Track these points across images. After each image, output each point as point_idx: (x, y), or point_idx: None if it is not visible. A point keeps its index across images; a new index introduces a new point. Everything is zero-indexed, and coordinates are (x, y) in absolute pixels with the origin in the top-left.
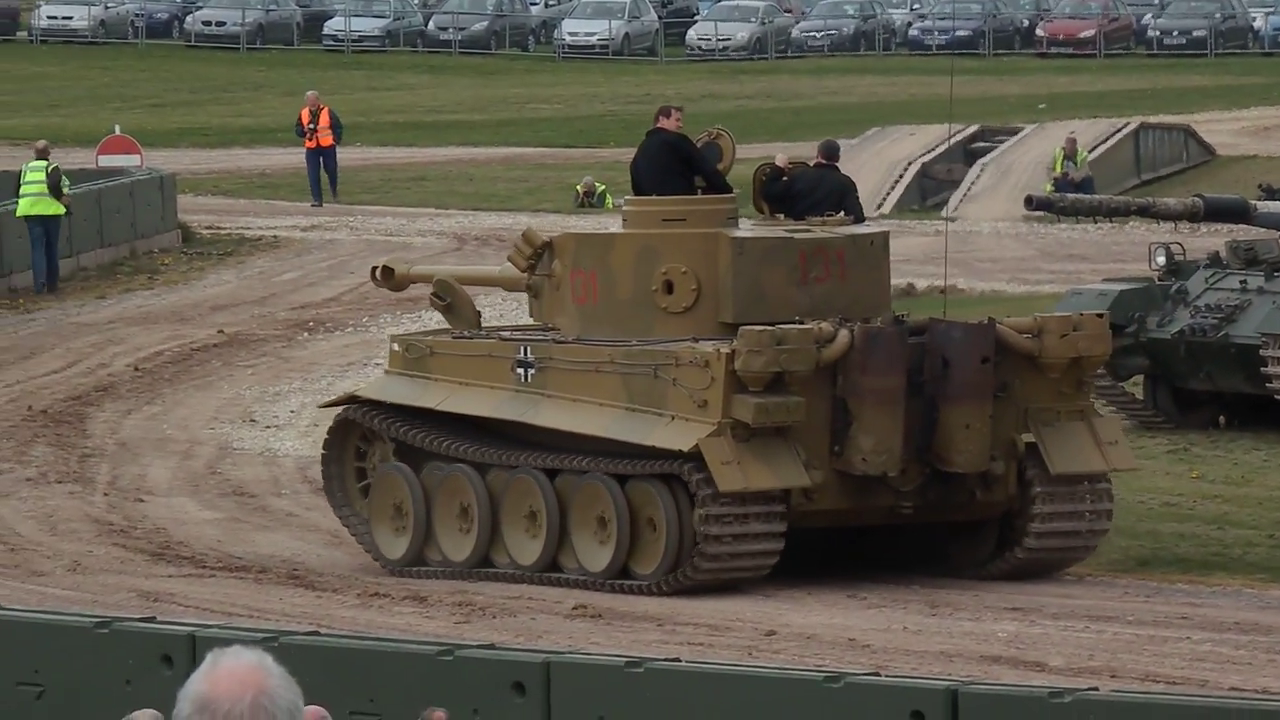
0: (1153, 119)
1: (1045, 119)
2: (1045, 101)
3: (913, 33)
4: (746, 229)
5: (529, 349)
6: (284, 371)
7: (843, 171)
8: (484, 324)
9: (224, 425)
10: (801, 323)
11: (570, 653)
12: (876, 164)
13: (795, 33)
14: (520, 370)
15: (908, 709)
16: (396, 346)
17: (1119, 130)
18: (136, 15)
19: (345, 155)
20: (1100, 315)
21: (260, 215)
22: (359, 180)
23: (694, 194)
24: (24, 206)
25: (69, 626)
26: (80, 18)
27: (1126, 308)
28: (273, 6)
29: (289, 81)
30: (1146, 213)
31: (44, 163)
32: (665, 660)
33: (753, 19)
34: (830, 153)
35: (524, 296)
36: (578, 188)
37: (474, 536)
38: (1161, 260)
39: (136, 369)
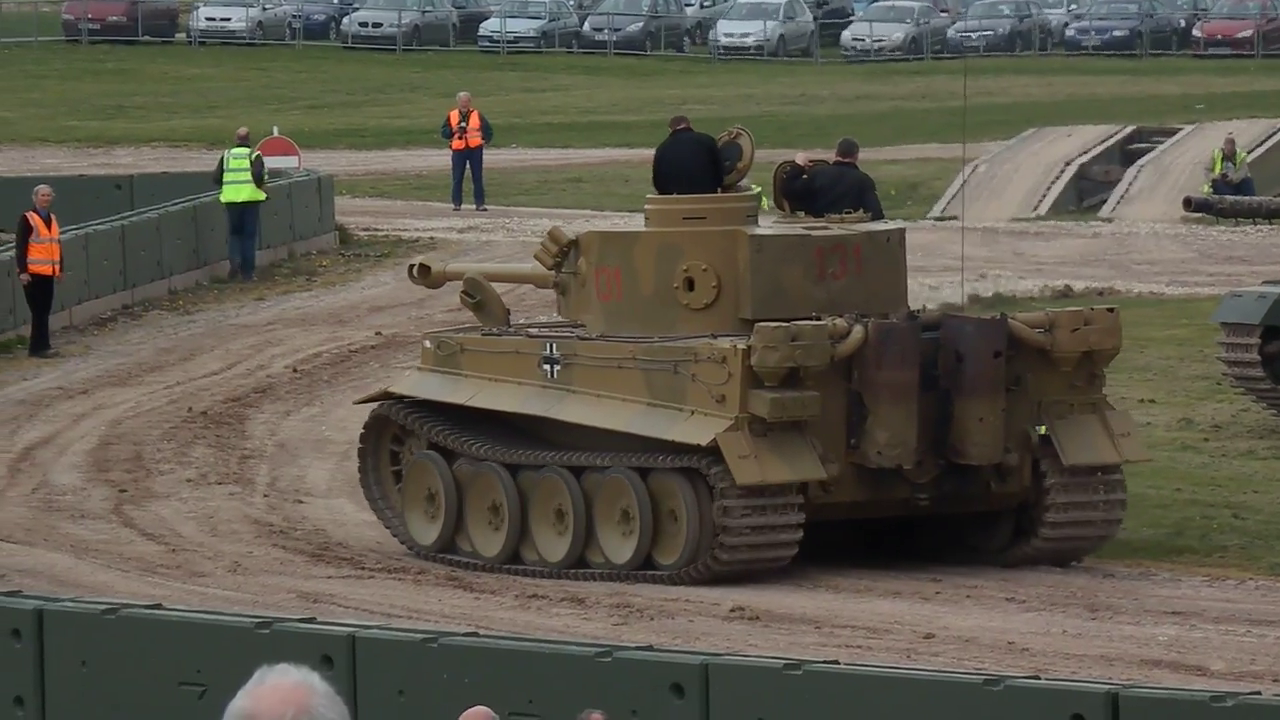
0: None
1: (1203, 119)
2: (1203, 102)
3: (1069, 33)
4: (765, 227)
5: (555, 346)
6: None
7: (861, 169)
8: (513, 320)
9: None
10: (818, 318)
11: (728, 654)
12: (1033, 165)
13: (951, 33)
14: (547, 366)
15: (1068, 713)
16: (428, 344)
17: (1278, 130)
18: (294, 17)
19: (500, 157)
20: (1111, 310)
21: (416, 217)
22: (514, 182)
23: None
24: (229, 193)
25: (230, 627)
26: (238, 19)
27: None
28: (429, 8)
29: (445, 83)
30: None
31: (245, 150)
32: (824, 662)
33: (908, 19)
34: (848, 150)
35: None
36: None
37: (504, 534)
38: None
39: (295, 370)
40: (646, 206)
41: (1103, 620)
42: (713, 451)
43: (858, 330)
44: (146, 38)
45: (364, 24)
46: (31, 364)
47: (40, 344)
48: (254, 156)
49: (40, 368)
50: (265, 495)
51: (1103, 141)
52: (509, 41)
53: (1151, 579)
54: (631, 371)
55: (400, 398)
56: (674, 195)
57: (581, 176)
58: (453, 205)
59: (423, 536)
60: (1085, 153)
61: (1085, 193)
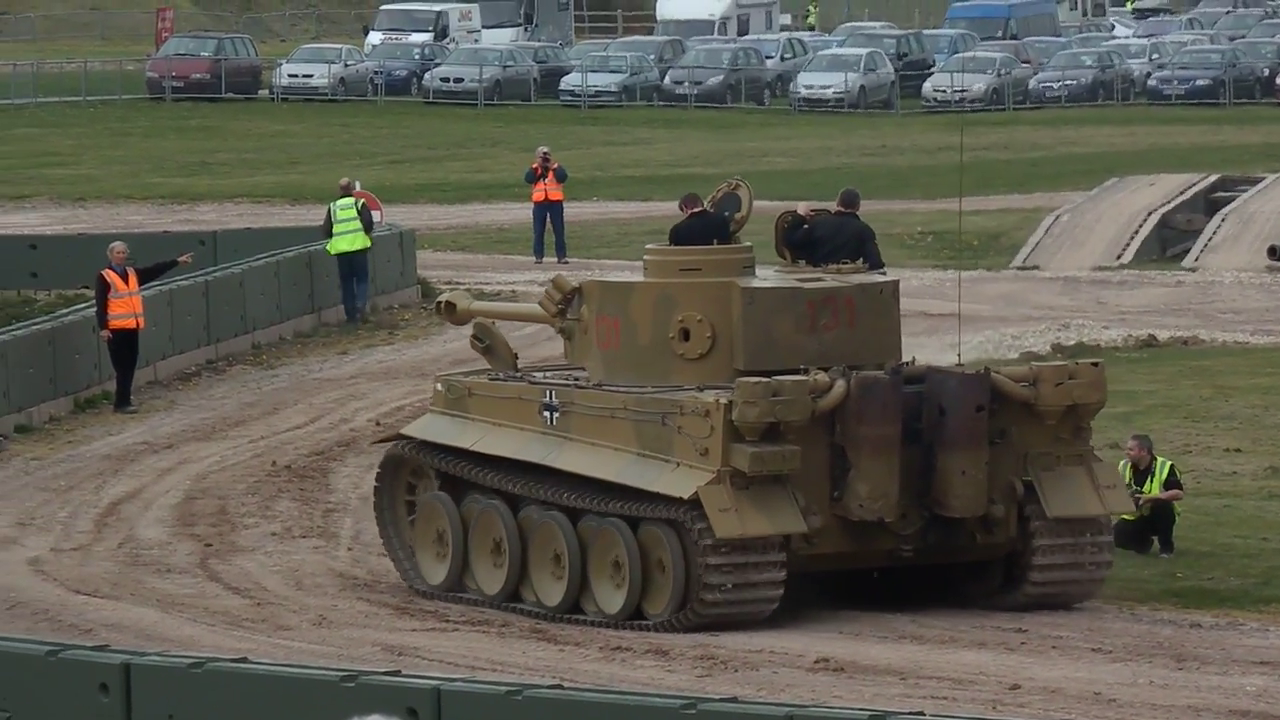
0: None
1: None
2: None
3: (1151, 83)
4: (758, 279)
5: (554, 394)
6: None
7: (862, 220)
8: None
9: None
10: (805, 371)
11: (813, 706)
12: (1115, 214)
13: (1033, 84)
14: (546, 414)
15: None
16: (439, 386)
17: None
18: (375, 73)
19: (581, 209)
20: (1095, 364)
21: (498, 270)
22: (595, 234)
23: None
24: (339, 244)
25: (316, 680)
26: (320, 76)
27: None
28: (510, 63)
29: (526, 137)
30: None
31: (350, 199)
32: (909, 714)
33: (990, 70)
34: (850, 201)
35: None
36: None
37: (504, 572)
38: None
39: (378, 424)
40: (645, 257)
41: (1189, 671)
42: (695, 504)
43: (840, 385)
44: (230, 95)
45: (445, 79)
46: (117, 419)
47: (123, 400)
48: (360, 205)
49: (125, 423)
50: (349, 549)
51: (1186, 190)
52: (590, 96)
53: (1239, 629)
54: (623, 422)
55: (412, 439)
56: (671, 247)
57: (662, 228)
58: (534, 258)
59: (432, 576)
60: (1168, 202)
61: (1168, 242)
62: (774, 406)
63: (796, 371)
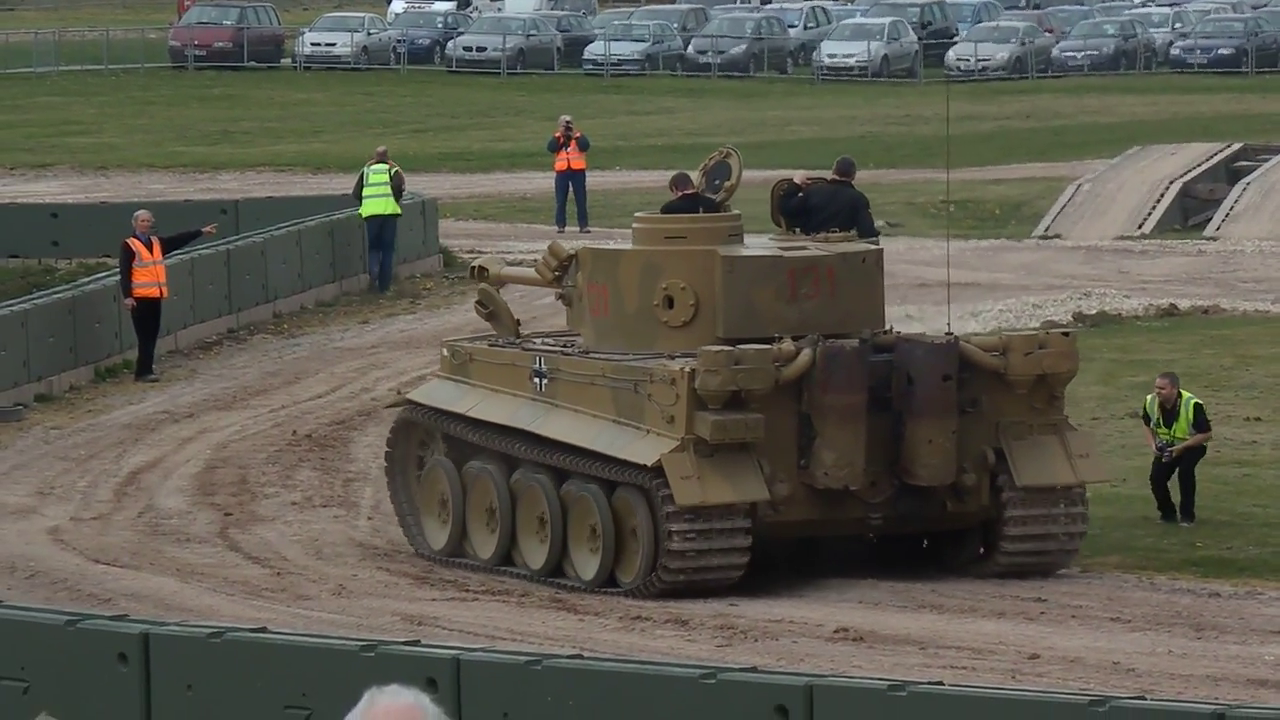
0: None
1: None
2: None
3: (1174, 51)
4: (742, 247)
5: (543, 360)
6: None
7: (855, 188)
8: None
9: None
10: (771, 341)
11: (833, 676)
12: (1137, 183)
13: (1055, 52)
14: (536, 380)
15: None
16: (445, 351)
17: None
18: (398, 42)
19: (604, 179)
20: (1066, 334)
21: (521, 239)
22: (619, 204)
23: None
24: (370, 206)
25: (335, 650)
26: (343, 44)
27: None
28: (533, 32)
29: (549, 106)
30: None
31: (384, 166)
32: (928, 684)
33: (1013, 39)
34: (845, 170)
35: None
36: None
37: (497, 536)
38: None
39: (399, 393)
40: (634, 225)
41: (1208, 640)
42: (659, 471)
43: (805, 353)
44: (252, 64)
45: (468, 48)
46: (137, 388)
47: (145, 369)
48: (394, 171)
49: (146, 392)
50: (369, 518)
51: (1208, 159)
52: (613, 65)
53: (1258, 598)
54: (603, 389)
55: (418, 404)
56: (660, 215)
57: None
58: (557, 227)
59: (436, 541)
60: (1190, 171)
61: (1190, 211)
62: (736, 375)
63: (758, 341)
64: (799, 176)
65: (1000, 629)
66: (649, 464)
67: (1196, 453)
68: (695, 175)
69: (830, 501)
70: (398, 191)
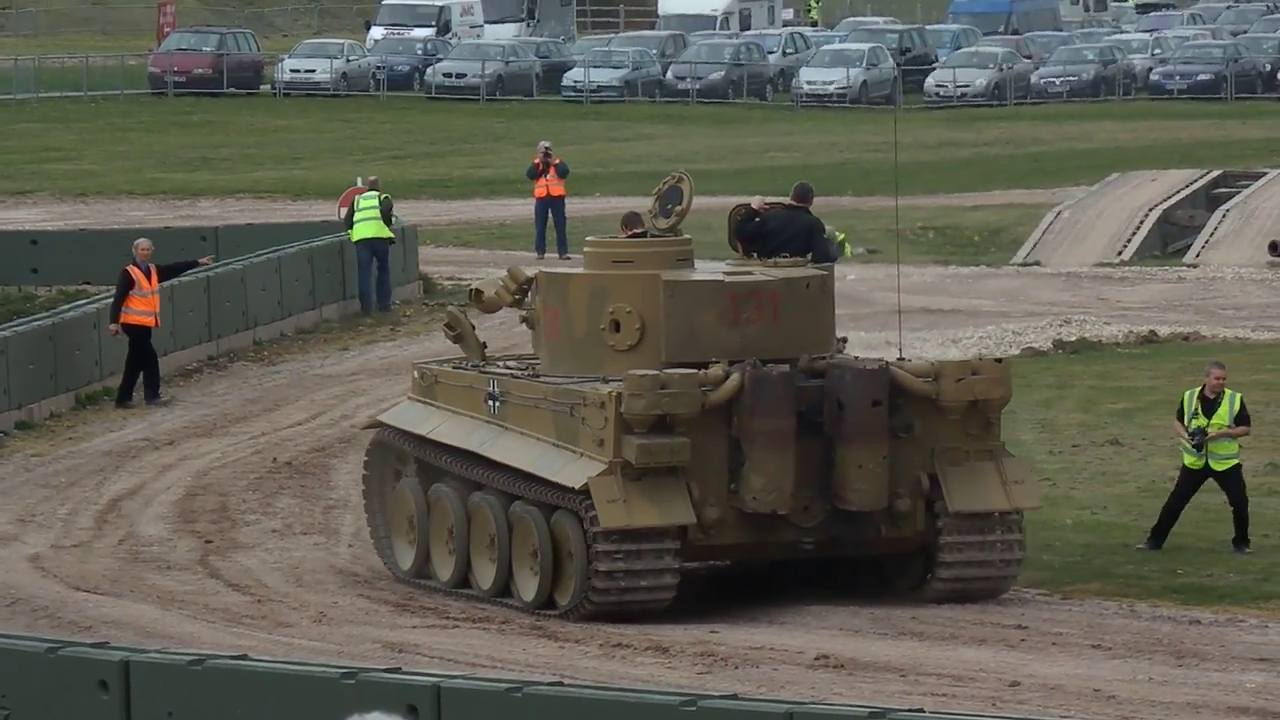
0: None
1: None
2: None
3: (1154, 78)
4: (687, 272)
5: (496, 383)
6: None
7: (812, 213)
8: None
9: None
10: (706, 366)
11: (813, 703)
12: (1117, 210)
13: (1034, 79)
14: (490, 403)
15: None
16: (416, 373)
17: None
18: (378, 68)
19: (583, 205)
20: (999, 360)
21: (500, 266)
22: (596, 230)
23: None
24: (360, 231)
25: (316, 678)
26: (322, 71)
27: None
28: (512, 58)
29: (528, 132)
30: None
31: (374, 193)
32: (909, 711)
33: (991, 65)
34: (802, 195)
35: None
36: None
37: (455, 557)
38: None
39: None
40: (584, 249)
41: (1189, 668)
42: (586, 493)
43: (734, 378)
44: (232, 90)
45: (448, 74)
46: (118, 415)
47: (125, 396)
48: (383, 198)
49: (126, 419)
50: (350, 545)
51: (1187, 186)
52: (592, 91)
53: (1238, 625)
54: (544, 412)
55: (388, 426)
56: (610, 239)
57: None
58: (536, 254)
59: (403, 562)
60: (1169, 197)
61: (1170, 237)
62: (660, 399)
63: (700, 366)
64: (756, 202)
65: (981, 656)
66: (576, 487)
67: (1238, 480)
68: (649, 203)
69: (761, 526)
70: (387, 217)
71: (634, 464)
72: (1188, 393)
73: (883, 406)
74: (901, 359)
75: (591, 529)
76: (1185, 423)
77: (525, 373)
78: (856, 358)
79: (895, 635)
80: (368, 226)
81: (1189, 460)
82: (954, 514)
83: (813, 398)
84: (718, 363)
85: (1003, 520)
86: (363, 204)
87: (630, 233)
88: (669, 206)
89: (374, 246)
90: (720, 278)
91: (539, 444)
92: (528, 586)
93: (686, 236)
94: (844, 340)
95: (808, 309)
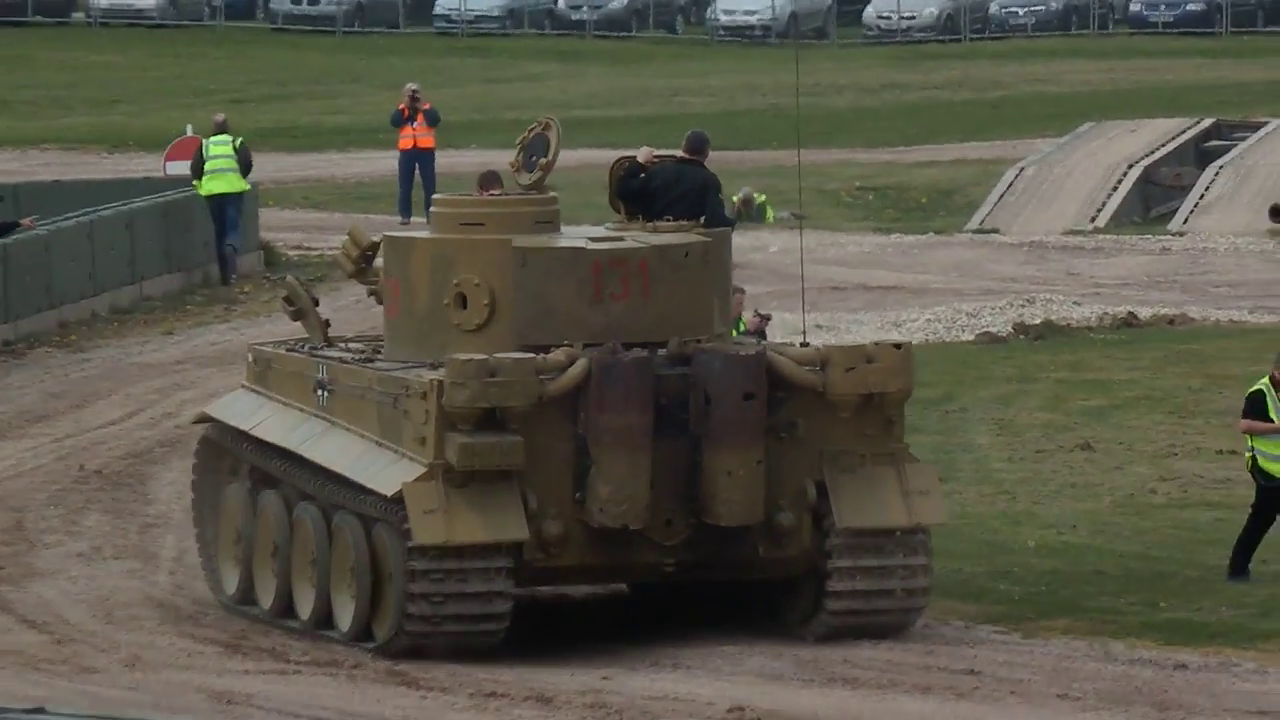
0: None
1: None
2: None
3: (1134, 8)
4: (548, 238)
5: (325, 369)
6: None
7: (707, 168)
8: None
9: None
10: (554, 347)
11: None
12: (1090, 167)
13: (993, 9)
14: (319, 392)
15: None
16: (250, 357)
17: None
18: None
19: (456, 159)
20: (898, 346)
21: None
22: (472, 188)
23: None
24: (211, 184)
25: None
26: None
27: None
28: None
29: (392, 72)
30: None
31: (227, 136)
32: None
33: None
34: (696, 146)
35: None
36: (734, 199)
37: (278, 580)
38: None
39: (210, 420)
40: (430, 209)
41: None
42: (400, 502)
43: (579, 364)
44: (38, 18)
45: (297, 2)
46: None
47: None
48: (239, 143)
49: None
50: (171, 573)
51: (1174, 138)
52: (469, 22)
53: (1232, 671)
54: (369, 404)
55: (214, 420)
56: (458, 198)
57: (552, 183)
58: (400, 217)
59: (228, 585)
60: (1152, 152)
61: (1152, 200)
62: (488, 389)
63: (506, 350)
64: (643, 153)
65: (925, 708)
66: (389, 494)
67: None
68: (514, 155)
69: (612, 543)
70: (245, 166)
71: (456, 467)
72: (1263, 382)
73: (757, 400)
74: (795, 344)
75: (404, 543)
76: (1275, 418)
77: (360, 357)
78: (738, 342)
79: (823, 682)
80: (223, 179)
81: (1272, 467)
82: (844, 530)
83: (676, 389)
84: (568, 345)
85: (904, 540)
86: (214, 150)
87: (487, 194)
88: (533, 159)
89: (227, 202)
90: (582, 244)
91: (362, 442)
92: (345, 614)
93: (552, 194)
94: (767, 318)
95: (686, 283)
